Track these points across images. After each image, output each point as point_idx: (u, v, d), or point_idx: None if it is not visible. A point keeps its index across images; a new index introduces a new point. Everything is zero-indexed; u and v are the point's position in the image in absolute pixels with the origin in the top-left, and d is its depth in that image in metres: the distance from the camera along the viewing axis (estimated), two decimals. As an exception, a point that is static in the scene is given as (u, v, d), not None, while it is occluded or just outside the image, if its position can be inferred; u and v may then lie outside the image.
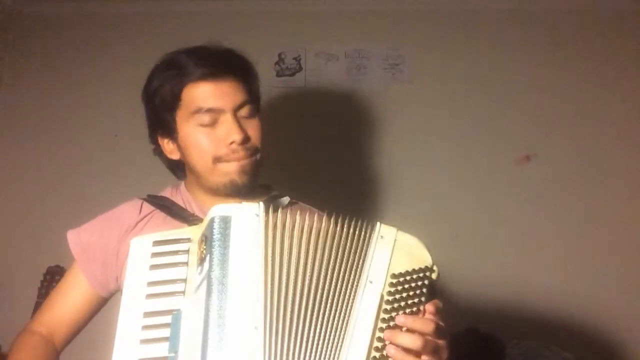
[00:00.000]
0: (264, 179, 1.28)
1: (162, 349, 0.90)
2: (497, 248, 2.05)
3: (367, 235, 0.98)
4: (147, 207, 1.22)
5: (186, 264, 0.97)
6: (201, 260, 0.94)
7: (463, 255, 1.96)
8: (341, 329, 0.91)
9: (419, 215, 1.98)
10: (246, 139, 1.15)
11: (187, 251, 0.98)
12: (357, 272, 0.95)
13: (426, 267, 0.98)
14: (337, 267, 0.95)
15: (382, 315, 0.92)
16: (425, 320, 0.93)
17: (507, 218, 2.07)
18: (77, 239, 1.21)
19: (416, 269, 0.97)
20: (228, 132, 1.14)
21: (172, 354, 0.89)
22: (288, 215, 0.96)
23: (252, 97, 1.20)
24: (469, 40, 2.16)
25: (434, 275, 0.99)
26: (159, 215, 1.20)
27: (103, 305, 1.24)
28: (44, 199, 2.08)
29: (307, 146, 2.10)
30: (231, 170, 1.15)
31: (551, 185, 2.08)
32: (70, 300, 1.20)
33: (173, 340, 0.90)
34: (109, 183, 2.02)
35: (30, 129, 2.14)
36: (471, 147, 2.11)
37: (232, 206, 0.97)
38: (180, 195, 1.25)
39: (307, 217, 0.97)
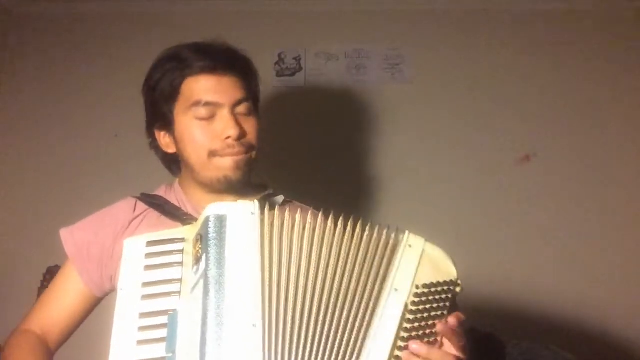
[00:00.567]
0: (263, 178, 1.27)
1: (160, 349, 0.90)
2: (497, 248, 2.04)
3: (395, 242, 0.97)
4: (141, 206, 1.21)
5: (181, 263, 0.96)
6: (197, 260, 0.94)
7: (463, 255, 1.94)
8: (360, 331, 0.90)
9: (418, 215, 1.98)
10: (242, 135, 1.14)
11: (181, 251, 0.98)
12: (382, 278, 0.94)
13: (451, 280, 0.97)
14: (355, 270, 0.93)
15: (405, 324, 0.91)
16: (444, 354, 0.92)
17: (507, 218, 2.07)
18: (71, 237, 1.20)
19: (441, 281, 0.96)
20: (225, 127, 1.13)
21: (170, 354, 0.89)
22: (286, 214, 0.95)
23: (251, 96, 1.20)
24: (469, 40, 2.16)
25: (458, 289, 0.98)
26: (153, 214, 1.20)
27: (96, 305, 1.22)
28: (44, 199, 2.09)
29: (307, 146, 2.10)
30: (226, 165, 1.14)
31: (551, 185, 2.08)
32: (64, 300, 1.19)
33: (170, 341, 0.90)
34: (109, 183, 2.01)
35: (30, 129, 2.14)
36: (471, 147, 2.11)
37: (227, 205, 0.96)
38: (174, 193, 1.24)
39: (309, 217, 0.95)
